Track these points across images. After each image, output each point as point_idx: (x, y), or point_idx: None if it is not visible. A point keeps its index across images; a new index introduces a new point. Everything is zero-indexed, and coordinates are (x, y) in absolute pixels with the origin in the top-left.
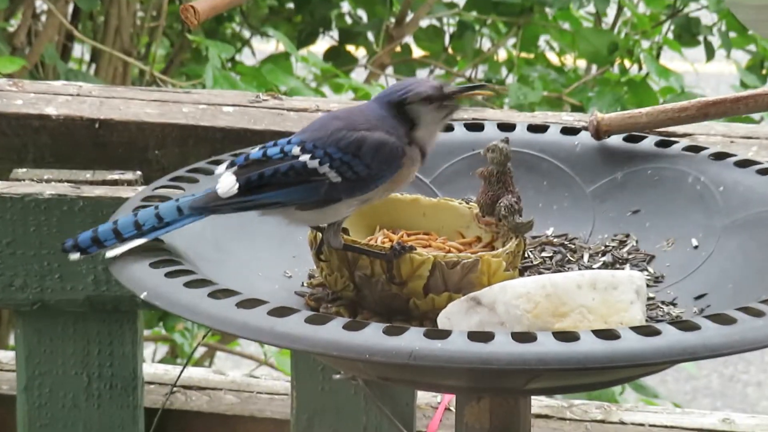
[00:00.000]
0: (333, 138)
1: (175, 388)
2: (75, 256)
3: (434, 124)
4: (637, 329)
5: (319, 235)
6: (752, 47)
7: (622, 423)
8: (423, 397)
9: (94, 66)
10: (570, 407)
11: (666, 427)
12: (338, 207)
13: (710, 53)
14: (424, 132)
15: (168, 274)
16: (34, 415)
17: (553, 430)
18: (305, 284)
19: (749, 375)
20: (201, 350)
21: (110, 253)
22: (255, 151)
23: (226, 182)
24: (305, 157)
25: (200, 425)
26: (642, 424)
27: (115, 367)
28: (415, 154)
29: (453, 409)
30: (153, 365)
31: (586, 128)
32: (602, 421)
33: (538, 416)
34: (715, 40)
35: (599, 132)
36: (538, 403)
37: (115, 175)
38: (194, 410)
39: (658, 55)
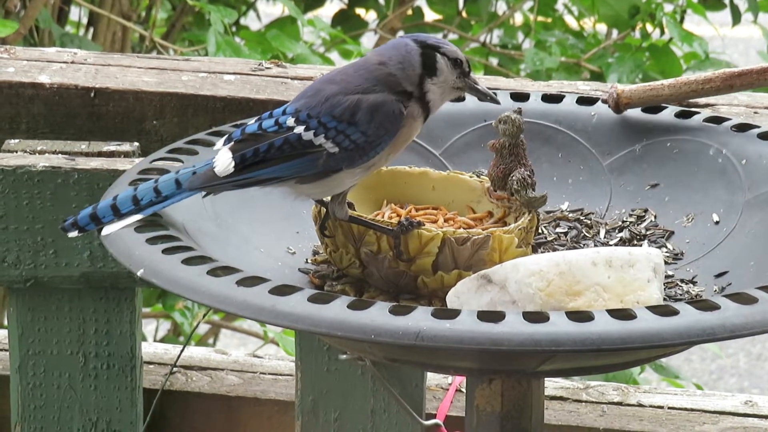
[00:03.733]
0: (327, 105)
1: (175, 369)
2: (73, 233)
3: (447, 88)
4: (654, 309)
5: (324, 210)
6: None
7: (641, 405)
8: (433, 378)
9: (92, 30)
10: (586, 389)
11: (686, 409)
12: (341, 177)
13: (736, 17)
14: (435, 87)
15: (166, 251)
16: (28, 397)
17: (568, 412)
18: (309, 261)
19: None
20: (205, 327)
21: (106, 230)
22: (251, 124)
23: (223, 159)
24: (300, 129)
25: (201, 407)
26: (661, 407)
27: (113, 346)
28: (415, 111)
29: (464, 390)
30: (152, 344)
31: (604, 101)
32: (620, 404)
33: (553, 398)
34: (742, 4)
35: (619, 105)
36: (553, 384)
37: (111, 147)
38: (195, 391)
39: (681, 19)
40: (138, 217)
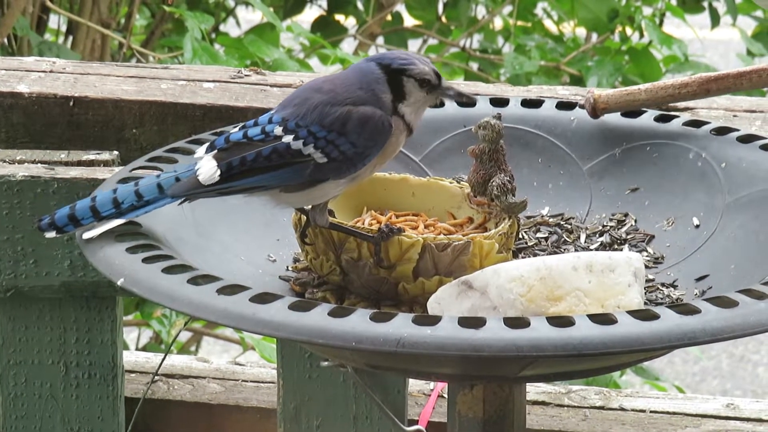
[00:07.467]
0: (316, 114)
1: (156, 377)
2: (51, 234)
3: (420, 106)
4: (635, 313)
5: (304, 217)
6: (759, 14)
7: (623, 409)
8: (415, 384)
9: (71, 38)
10: (568, 393)
11: (668, 413)
12: (326, 187)
13: (715, 20)
14: (409, 109)
15: (146, 260)
16: (9, 406)
17: (550, 417)
18: (290, 268)
19: (760, 355)
20: (187, 335)
21: (87, 234)
22: (235, 132)
23: (207, 168)
24: (288, 138)
25: (183, 415)
26: (643, 410)
27: (94, 355)
28: (400, 125)
29: (446, 396)
30: (134, 353)
31: (581, 106)
32: (602, 408)
33: (535, 403)
34: (721, 6)
35: (596, 110)
36: (535, 389)
37: (90, 155)
38: (177, 399)
39: (660, 22)
40: (119, 221)
